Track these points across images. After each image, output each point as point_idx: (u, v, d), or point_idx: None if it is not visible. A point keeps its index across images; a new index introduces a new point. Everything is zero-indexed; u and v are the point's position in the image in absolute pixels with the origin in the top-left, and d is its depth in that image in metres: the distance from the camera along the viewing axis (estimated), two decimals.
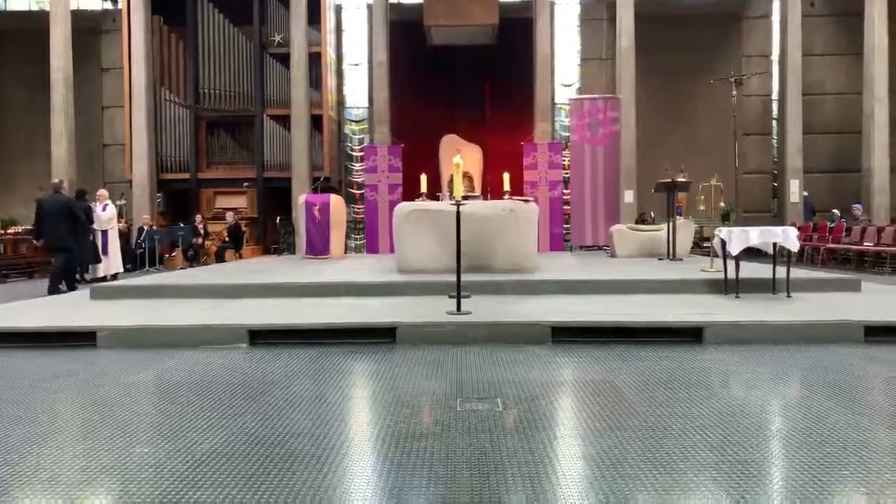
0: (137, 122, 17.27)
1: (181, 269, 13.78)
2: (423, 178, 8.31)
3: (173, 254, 15.76)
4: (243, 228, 16.33)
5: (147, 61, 17.32)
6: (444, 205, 8.58)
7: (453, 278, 6.22)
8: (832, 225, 14.48)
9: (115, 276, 12.08)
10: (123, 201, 15.74)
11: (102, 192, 13.01)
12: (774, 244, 6.99)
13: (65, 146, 16.54)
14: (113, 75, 19.17)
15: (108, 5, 19.96)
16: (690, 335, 5.33)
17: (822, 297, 6.86)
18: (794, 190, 17.30)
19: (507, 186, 8.69)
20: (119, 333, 5.54)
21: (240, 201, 17.84)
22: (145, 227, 15.34)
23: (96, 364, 4.91)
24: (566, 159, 16.33)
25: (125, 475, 2.65)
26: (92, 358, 5.12)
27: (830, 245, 13.84)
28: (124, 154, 17.97)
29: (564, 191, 15.78)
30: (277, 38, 17.97)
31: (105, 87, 19.57)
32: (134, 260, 14.75)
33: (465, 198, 6.89)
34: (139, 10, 17.11)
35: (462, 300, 6.02)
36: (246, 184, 17.43)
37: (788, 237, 6.92)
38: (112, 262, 12.38)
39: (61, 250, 9.79)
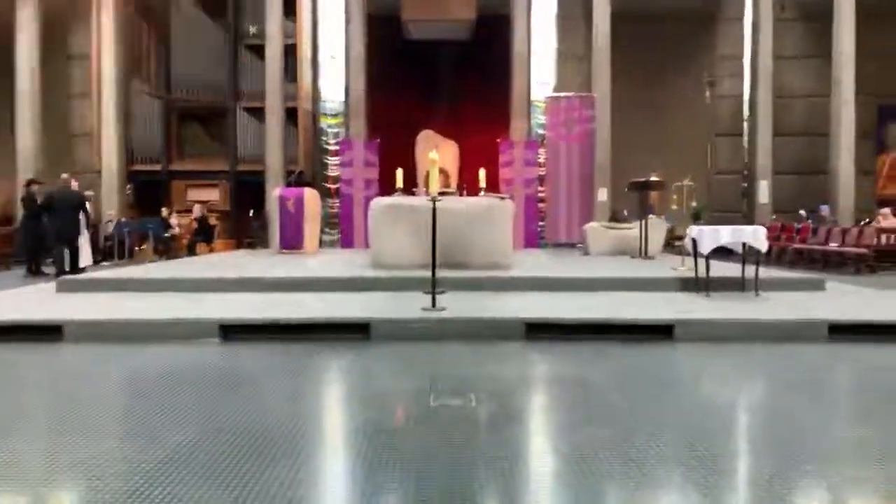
0: (106, 111, 16.94)
1: (150, 262, 13.54)
2: (399, 172, 8.26)
3: (143, 246, 15.48)
4: (211, 221, 16.09)
5: (117, 50, 16.98)
6: (420, 200, 8.55)
7: (428, 274, 6.21)
8: (799, 226, 14.80)
9: (83, 269, 11.80)
10: (91, 193, 15.36)
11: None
12: (744, 244, 7.11)
13: (30, 135, 16.17)
14: (80, 63, 18.71)
15: None
16: (661, 332, 5.40)
17: (789, 295, 7.00)
18: (764, 191, 17.64)
19: (482, 183, 8.69)
20: (87, 327, 5.41)
21: (212, 194, 17.59)
22: (113, 221, 15.05)
23: (63, 358, 4.81)
24: (542, 157, 16.41)
25: (94, 470, 2.60)
26: (59, 352, 5.01)
27: (798, 245, 14.15)
28: (91, 144, 17.62)
29: (539, 188, 15.85)
30: (253, 30, 17.77)
31: (73, 76, 19.10)
32: (102, 253, 14.45)
33: (441, 194, 6.87)
34: None
35: (437, 296, 6.02)
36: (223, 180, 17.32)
37: (758, 237, 7.06)
38: (82, 254, 12.07)
39: (70, 241, 10.94)
